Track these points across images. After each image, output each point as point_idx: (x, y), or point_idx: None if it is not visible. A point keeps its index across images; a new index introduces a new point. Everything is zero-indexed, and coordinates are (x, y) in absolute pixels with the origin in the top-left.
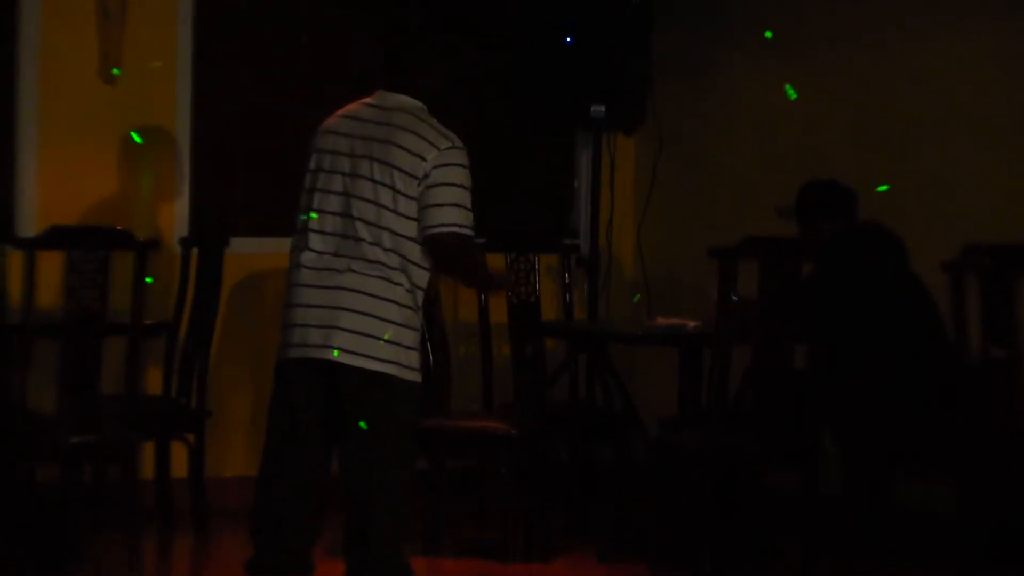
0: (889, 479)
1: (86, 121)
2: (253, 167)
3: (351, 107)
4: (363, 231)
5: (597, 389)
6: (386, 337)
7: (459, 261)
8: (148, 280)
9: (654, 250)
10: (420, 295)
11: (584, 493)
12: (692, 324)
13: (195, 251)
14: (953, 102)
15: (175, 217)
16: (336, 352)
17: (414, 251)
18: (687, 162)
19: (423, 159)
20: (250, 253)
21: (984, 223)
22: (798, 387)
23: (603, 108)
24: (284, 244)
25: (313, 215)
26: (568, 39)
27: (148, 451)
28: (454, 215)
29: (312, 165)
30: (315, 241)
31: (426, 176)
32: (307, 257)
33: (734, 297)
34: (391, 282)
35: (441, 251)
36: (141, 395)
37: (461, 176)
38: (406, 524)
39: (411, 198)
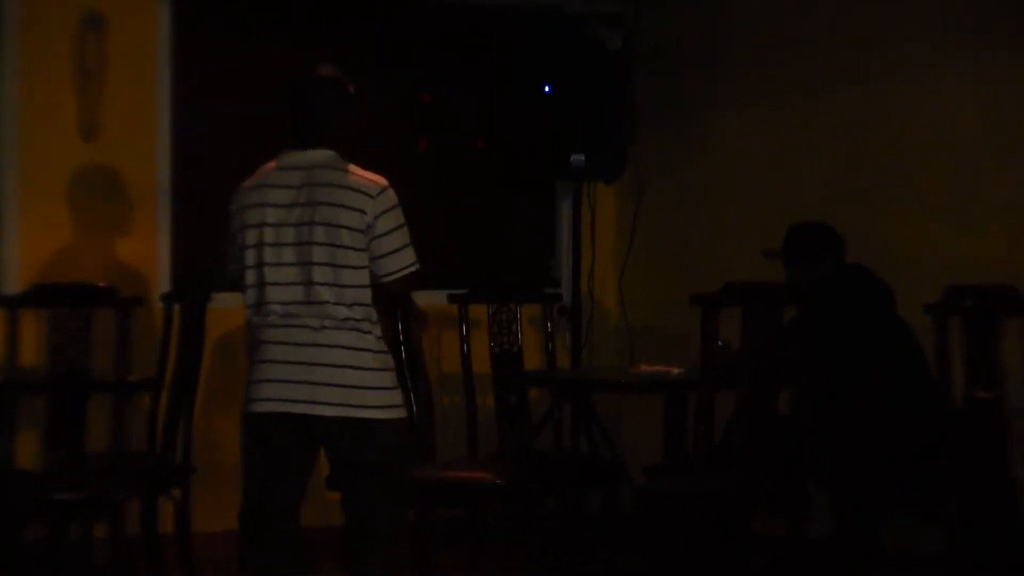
0: (877, 522)
1: (67, 178)
2: None
3: (266, 174)
4: (325, 294)
5: (582, 437)
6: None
7: (405, 299)
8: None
9: (636, 298)
10: (382, 342)
11: (571, 542)
12: (676, 371)
13: (177, 307)
14: (932, 146)
15: (157, 273)
16: (323, 407)
17: (370, 311)
18: (668, 210)
19: (363, 212)
20: (232, 308)
21: (965, 265)
22: (784, 432)
23: (583, 157)
24: None
25: (269, 288)
26: (547, 88)
27: (135, 507)
28: (404, 258)
29: (252, 240)
30: (278, 309)
31: (370, 227)
32: (273, 317)
33: (719, 343)
34: (361, 332)
35: (395, 293)
36: (127, 451)
37: (399, 216)
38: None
39: (361, 250)
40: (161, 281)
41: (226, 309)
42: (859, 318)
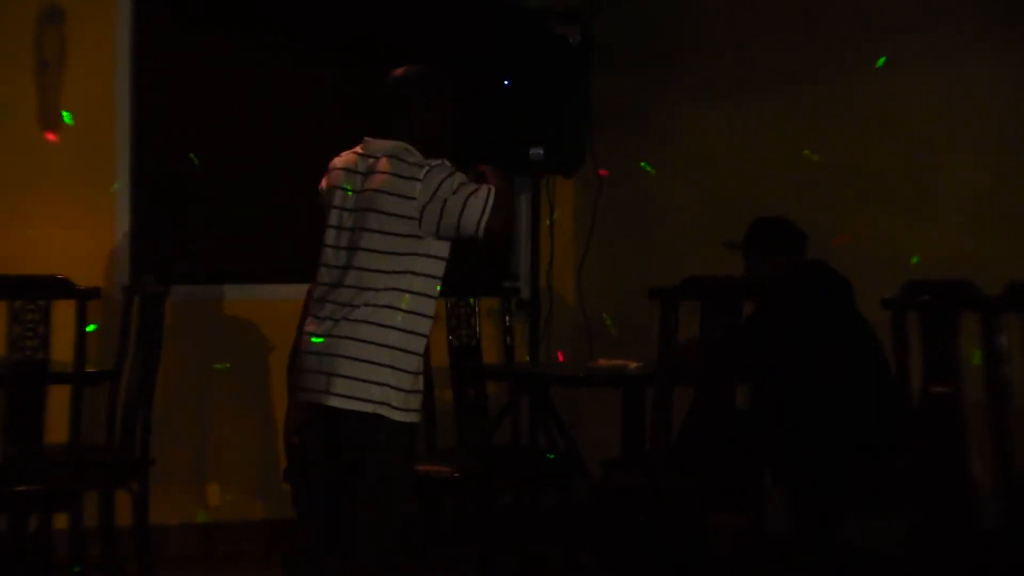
0: (835, 518)
1: (25, 170)
2: (194, 214)
3: (346, 159)
4: (360, 279)
5: (540, 431)
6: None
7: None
8: (90, 328)
9: (595, 291)
10: (417, 340)
11: (528, 536)
12: (634, 365)
13: (136, 299)
14: (895, 141)
15: (116, 265)
16: (335, 398)
17: (406, 299)
18: (627, 203)
19: (411, 198)
20: (191, 300)
21: (927, 261)
22: (741, 427)
23: (542, 151)
24: (225, 291)
25: (323, 270)
26: (506, 82)
27: (93, 500)
28: (477, 206)
29: (331, 220)
30: (321, 292)
31: (425, 208)
32: (314, 307)
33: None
34: (382, 326)
35: (496, 238)
36: (85, 444)
37: (453, 181)
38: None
39: (414, 236)
40: (120, 273)
41: (185, 302)
42: (817, 313)
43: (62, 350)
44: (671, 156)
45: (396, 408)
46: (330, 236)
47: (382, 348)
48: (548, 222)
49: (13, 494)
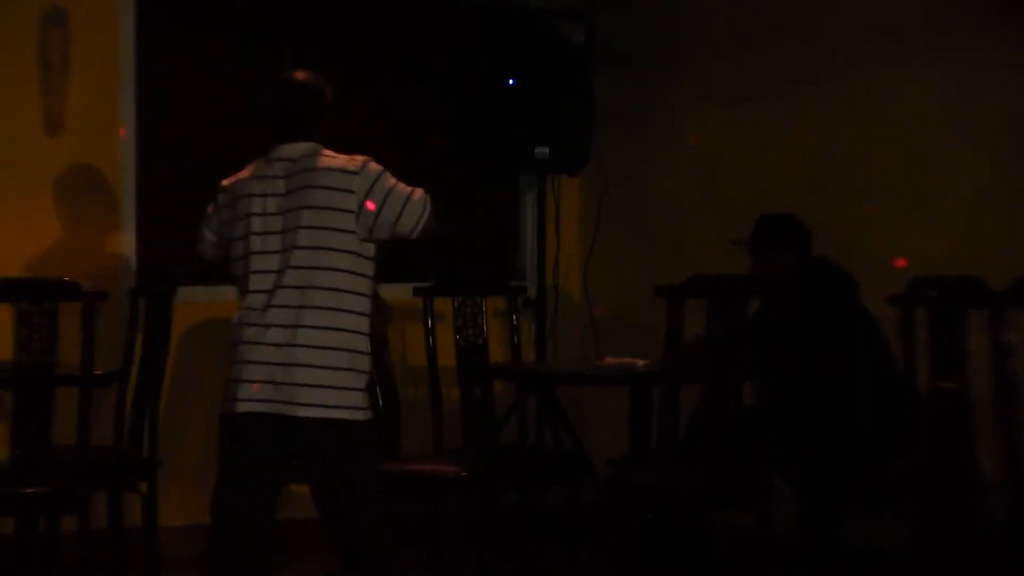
0: (841, 516)
1: (31, 173)
2: (199, 216)
3: (256, 167)
4: (304, 279)
5: (547, 430)
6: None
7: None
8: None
9: (601, 290)
10: (365, 341)
11: (535, 535)
12: (641, 363)
13: (143, 301)
14: (896, 140)
15: (122, 267)
16: (301, 408)
17: (353, 300)
18: (632, 202)
19: (350, 191)
20: (198, 301)
21: (932, 257)
22: (748, 424)
23: (547, 150)
24: (231, 292)
25: (253, 277)
26: (510, 81)
27: (101, 501)
28: (416, 209)
29: (240, 232)
30: (259, 300)
31: (362, 204)
32: (252, 315)
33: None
34: (334, 329)
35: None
36: (93, 446)
37: (389, 180)
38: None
39: (350, 232)
40: (126, 275)
41: (192, 303)
42: (823, 310)
43: (69, 352)
44: (675, 155)
45: (360, 409)
46: (255, 243)
47: (340, 352)
48: (554, 221)
49: (21, 496)
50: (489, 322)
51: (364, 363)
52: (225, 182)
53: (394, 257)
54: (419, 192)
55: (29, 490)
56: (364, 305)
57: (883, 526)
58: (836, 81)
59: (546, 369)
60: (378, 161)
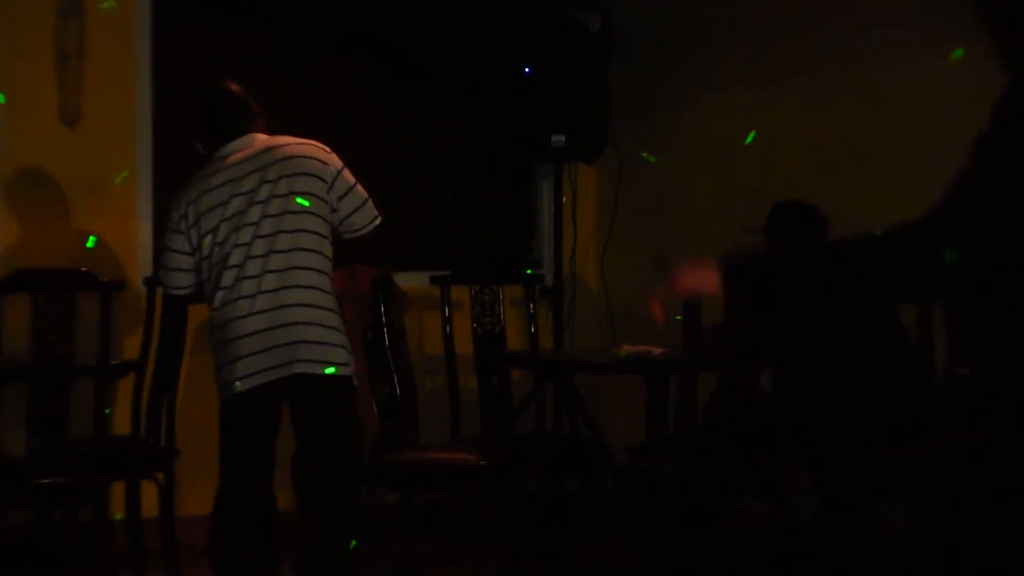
0: (860, 503)
1: (48, 164)
2: None
3: (209, 170)
4: (288, 260)
5: (564, 418)
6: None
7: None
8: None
9: (618, 277)
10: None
11: (553, 523)
12: (658, 351)
13: (159, 290)
14: (913, 128)
15: (138, 257)
16: (305, 365)
17: (328, 261)
18: (649, 189)
19: (321, 178)
20: None
21: None
22: (765, 411)
23: (563, 138)
24: None
25: (233, 269)
26: (526, 69)
27: (118, 491)
28: (368, 214)
29: (205, 228)
30: (247, 286)
31: (331, 188)
32: (227, 297)
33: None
34: (323, 291)
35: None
36: (110, 436)
37: (350, 174)
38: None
39: (322, 210)
40: (143, 265)
41: None
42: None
43: (86, 342)
44: (691, 142)
45: (348, 364)
46: (228, 235)
47: (330, 312)
48: (570, 210)
49: (39, 487)
50: (506, 310)
51: (341, 323)
52: (175, 200)
53: (411, 246)
54: (372, 205)
55: (46, 480)
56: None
57: (900, 513)
58: (853, 69)
59: (563, 357)
60: (395, 151)
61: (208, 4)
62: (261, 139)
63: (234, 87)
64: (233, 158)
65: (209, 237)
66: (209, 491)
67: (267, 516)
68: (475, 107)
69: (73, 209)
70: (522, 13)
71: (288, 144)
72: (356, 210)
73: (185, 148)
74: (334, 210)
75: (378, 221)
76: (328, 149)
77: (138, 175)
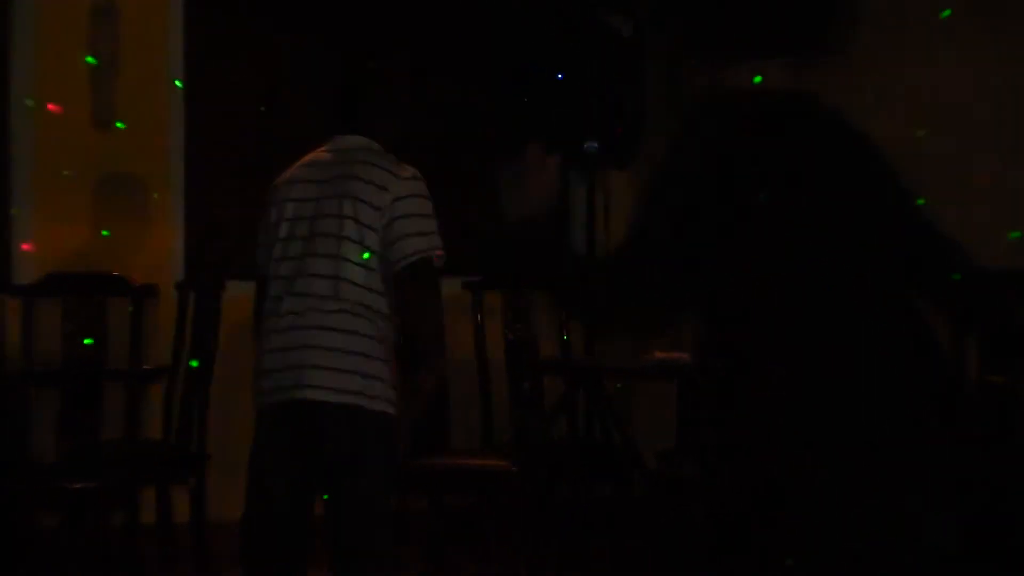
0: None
1: (80, 167)
2: (247, 210)
3: (308, 157)
4: (324, 266)
5: (596, 424)
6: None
7: (422, 297)
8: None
9: None
10: (385, 325)
11: (584, 528)
12: (689, 357)
13: (191, 295)
14: (945, 129)
15: (170, 261)
16: (308, 391)
17: (374, 280)
18: None
19: (385, 189)
20: (246, 295)
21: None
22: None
23: (596, 144)
24: None
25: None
26: (559, 75)
27: (149, 496)
28: (418, 243)
29: (273, 217)
30: (279, 286)
31: (391, 206)
32: (270, 306)
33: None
34: (352, 314)
35: (406, 282)
36: (141, 440)
37: (425, 206)
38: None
39: (374, 228)
40: (175, 270)
41: (240, 297)
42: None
43: (118, 346)
44: None
45: (373, 397)
46: (283, 228)
47: (355, 336)
48: (603, 215)
49: (70, 491)
50: (538, 316)
51: (383, 350)
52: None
53: (445, 251)
54: (437, 239)
55: (78, 485)
56: (380, 292)
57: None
58: (884, 69)
59: (595, 363)
60: (427, 153)
61: (242, 8)
62: (359, 142)
63: (378, 79)
64: (324, 157)
65: (274, 211)
66: (241, 496)
67: (297, 539)
68: (507, 113)
69: (105, 213)
70: (555, 19)
71: (375, 154)
72: (406, 236)
73: (217, 151)
74: (383, 233)
75: (427, 255)
76: (415, 173)
77: (170, 179)
